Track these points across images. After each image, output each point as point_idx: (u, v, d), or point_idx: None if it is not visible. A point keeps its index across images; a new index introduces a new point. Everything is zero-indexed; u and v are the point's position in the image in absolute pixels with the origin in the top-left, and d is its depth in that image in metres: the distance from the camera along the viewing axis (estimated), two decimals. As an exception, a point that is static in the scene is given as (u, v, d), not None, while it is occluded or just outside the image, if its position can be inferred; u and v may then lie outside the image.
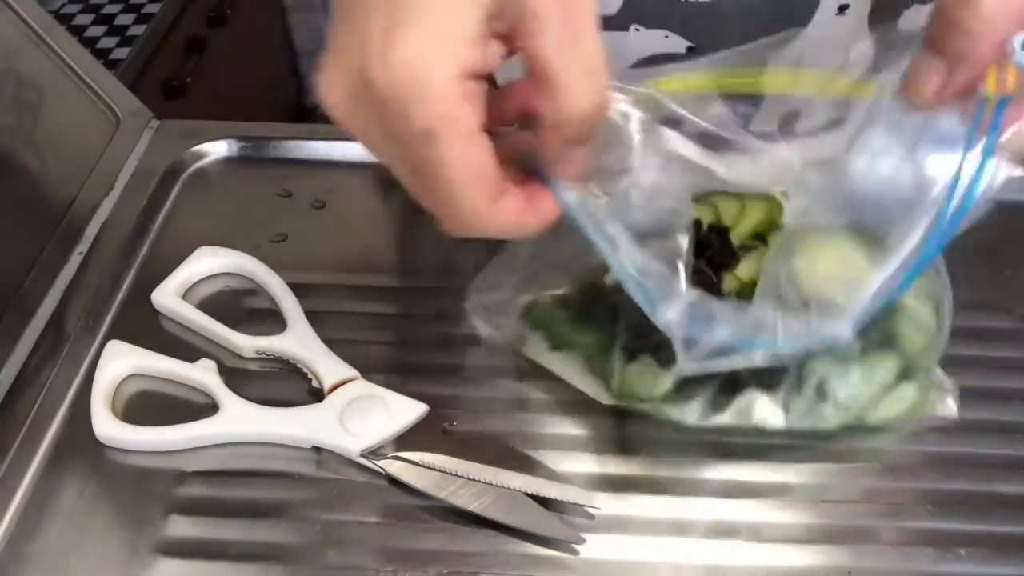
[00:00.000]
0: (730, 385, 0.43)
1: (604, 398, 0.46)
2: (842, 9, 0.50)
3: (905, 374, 0.44)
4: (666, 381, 0.43)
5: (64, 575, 0.41)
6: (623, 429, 0.46)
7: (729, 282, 0.45)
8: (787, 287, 0.41)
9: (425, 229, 0.48)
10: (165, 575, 0.41)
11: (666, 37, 0.53)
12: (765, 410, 0.43)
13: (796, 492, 0.44)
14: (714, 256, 0.46)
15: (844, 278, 0.41)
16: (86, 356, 0.49)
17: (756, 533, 0.42)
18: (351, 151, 0.62)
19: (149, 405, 0.47)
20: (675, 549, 0.41)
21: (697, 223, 0.45)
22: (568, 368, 0.47)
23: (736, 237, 0.46)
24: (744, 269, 0.45)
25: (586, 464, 0.45)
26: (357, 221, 0.58)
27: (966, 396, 0.47)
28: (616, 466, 0.44)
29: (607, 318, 0.45)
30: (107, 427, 0.45)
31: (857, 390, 0.43)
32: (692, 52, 0.52)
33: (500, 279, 0.48)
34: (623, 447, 0.45)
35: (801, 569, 0.41)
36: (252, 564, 0.41)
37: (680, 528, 0.42)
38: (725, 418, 0.43)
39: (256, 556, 0.41)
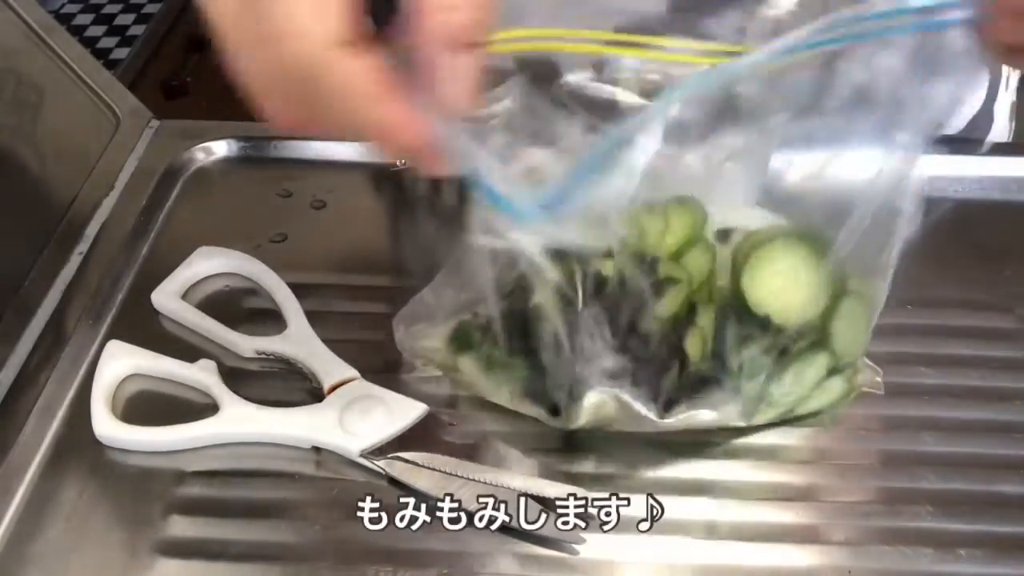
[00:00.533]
0: (679, 394, 0.44)
1: (550, 422, 0.45)
2: None
3: (833, 370, 0.45)
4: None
5: (64, 575, 0.41)
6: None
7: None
8: None
9: (425, 229, 0.49)
10: (165, 575, 0.41)
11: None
12: (707, 416, 0.44)
13: (796, 492, 0.44)
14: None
15: None
16: (86, 356, 0.49)
17: (757, 533, 0.42)
18: (351, 151, 0.62)
19: (149, 405, 0.47)
20: (674, 549, 0.41)
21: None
22: (504, 393, 0.46)
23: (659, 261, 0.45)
24: (668, 304, 0.44)
25: (585, 464, 0.45)
26: (357, 221, 0.58)
27: (966, 396, 0.47)
28: (616, 466, 0.44)
29: (539, 343, 0.44)
30: (107, 427, 0.45)
31: (790, 390, 0.44)
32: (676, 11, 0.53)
33: (426, 308, 0.48)
34: (622, 447, 0.45)
35: (801, 569, 0.41)
36: (252, 564, 0.41)
37: (679, 528, 0.42)
38: (673, 422, 0.44)
39: (256, 556, 0.41)
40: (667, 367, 0.43)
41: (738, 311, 0.43)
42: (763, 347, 0.43)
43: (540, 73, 0.43)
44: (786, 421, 0.46)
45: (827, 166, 0.43)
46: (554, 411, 0.45)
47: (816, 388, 0.45)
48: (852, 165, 0.41)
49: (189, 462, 0.45)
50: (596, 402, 0.43)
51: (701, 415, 0.44)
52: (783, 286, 0.43)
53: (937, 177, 0.57)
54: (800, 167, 0.44)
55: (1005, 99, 0.66)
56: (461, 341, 0.47)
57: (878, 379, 0.47)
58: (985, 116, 0.65)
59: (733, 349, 0.43)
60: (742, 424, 0.45)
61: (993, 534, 0.42)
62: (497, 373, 0.46)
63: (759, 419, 0.45)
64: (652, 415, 0.43)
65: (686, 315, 0.43)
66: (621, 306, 0.43)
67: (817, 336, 0.44)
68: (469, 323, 0.47)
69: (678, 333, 0.43)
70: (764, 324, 0.43)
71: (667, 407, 0.44)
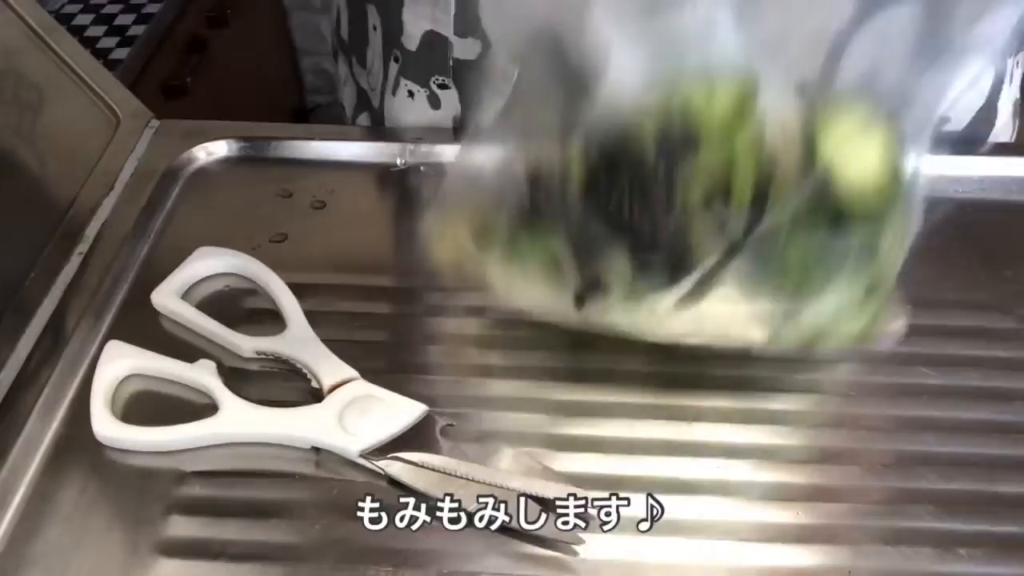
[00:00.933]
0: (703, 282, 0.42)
1: (571, 313, 0.45)
2: None
3: (871, 289, 0.44)
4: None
5: (64, 575, 0.41)
6: (629, 429, 0.46)
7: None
8: None
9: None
10: (165, 575, 0.41)
11: None
12: (721, 312, 0.43)
13: (795, 492, 0.44)
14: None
15: None
16: (86, 356, 0.49)
17: (756, 533, 0.42)
18: (351, 151, 0.62)
19: (149, 405, 0.47)
20: (674, 549, 0.41)
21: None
22: (528, 282, 0.45)
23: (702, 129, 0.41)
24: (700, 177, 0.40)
25: (586, 464, 0.45)
26: (357, 221, 0.58)
27: (966, 396, 0.47)
28: (617, 467, 0.44)
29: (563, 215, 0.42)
30: (107, 427, 0.45)
31: (827, 307, 0.43)
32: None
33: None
34: (622, 447, 0.45)
35: (801, 569, 0.41)
36: (252, 564, 0.41)
37: (679, 528, 0.42)
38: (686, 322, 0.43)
39: (256, 556, 0.41)
40: (692, 249, 0.42)
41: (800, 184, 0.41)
42: (822, 227, 0.41)
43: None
44: (795, 410, 0.46)
45: None
46: (579, 299, 0.44)
47: (853, 308, 0.44)
48: None
49: (189, 462, 0.45)
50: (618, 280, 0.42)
51: (715, 312, 0.43)
52: (862, 149, 0.41)
53: (937, 177, 0.57)
54: None
55: (1008, 97, 0.66)
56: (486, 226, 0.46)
57: (899, 323, 0.46)
58: (988, 114, 0.65)
59: (785, 234, 0.41)
60: (761, 340, 0.43)
61: (993, 534, 0.42)
62: (524, 247, 0.45)
63: (783, 339, 0.44)
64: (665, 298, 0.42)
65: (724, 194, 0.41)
66: (655, 177, 0.41)
67: (872, 232, 0.42)
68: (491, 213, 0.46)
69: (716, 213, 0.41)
70: (826, 196, 0.41)
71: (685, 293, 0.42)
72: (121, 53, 1.19)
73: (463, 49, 0.62)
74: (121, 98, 0.64)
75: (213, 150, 0.62)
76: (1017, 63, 0.65)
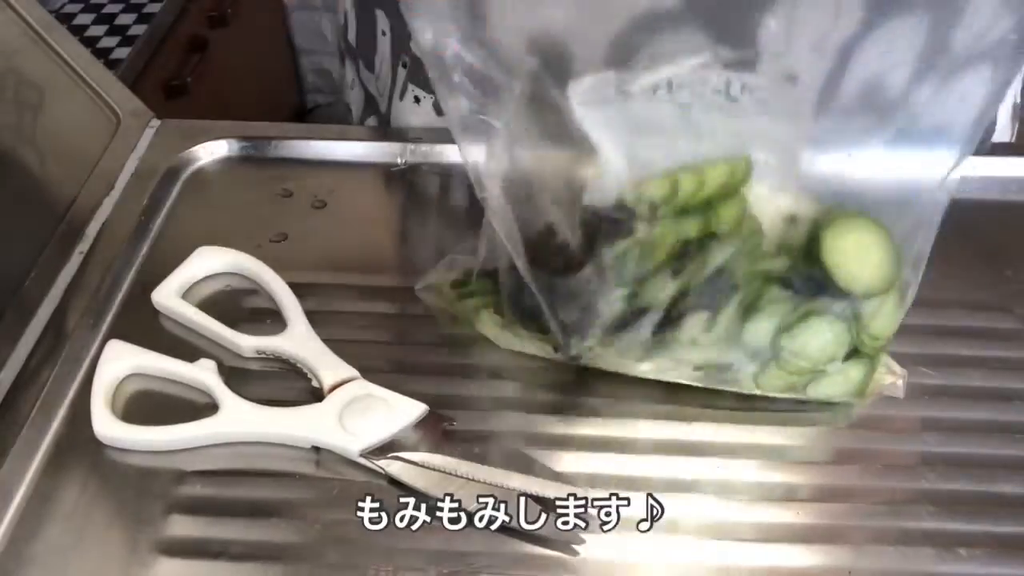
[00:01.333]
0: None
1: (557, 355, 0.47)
2: None
3: (855, 352, 0.45)
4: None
5: (64, 575, 0.41)
6: (629, 430, 0.46)
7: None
8: None
9: (424, 229, 0.49)
10: (165, 574, 0.41)
11: None
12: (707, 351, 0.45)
13: (795, 492, 0.44)
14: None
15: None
16: (86, 356, 0.49)
17: (757, 533, 0.42)
18: (351, 151, 0.62)
19: (149, 405, 0.47)
20: (674, 549, 0.41)
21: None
22: (518, 338, 0.48)
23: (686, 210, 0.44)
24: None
25: (586, 464, 0.45)
26: (357, 221, 0.58)
27: (967, 396, 0.47)
28: (617, 467, 0.44)
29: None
30: (107, 427, 0.45)
31: (803, 346, 0.44)
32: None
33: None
34: (622, 447, 0.45)
35: (801, 569, 0.41)
36: (252, 563, 0.41)
37: (679, 528, 0.42)
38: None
39: (256, 556, 0.41)
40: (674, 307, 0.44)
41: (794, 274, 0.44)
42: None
43: (553, 65, 0.44)
44: (795, 410, 0.46)
45: (883, 162, 0.43)
46: (556, 347, 0.47)
47: (832, 363, 0.45)
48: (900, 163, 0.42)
49: (189, 462, 0.45)
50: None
51: (691, 358, 0.45)
52: (861, 255, 0.43)
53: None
54: (855, 161, 0.44)
55: (1007, 99, 0.66)
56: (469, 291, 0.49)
57: (899, 382, 0.47)
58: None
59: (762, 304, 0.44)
60: (749, 386, 0.45)
61: (993, 534, 0.42)
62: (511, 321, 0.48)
63: (768, 380, 0.45)
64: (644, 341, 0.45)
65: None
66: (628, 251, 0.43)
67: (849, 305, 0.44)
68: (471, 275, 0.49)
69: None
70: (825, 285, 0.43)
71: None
72: (122, 53, 1.19)
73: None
74: (122, 98, 0.64)
75: (214, 150, 0.62)
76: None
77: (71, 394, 0.48)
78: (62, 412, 0.47)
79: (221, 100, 1.39)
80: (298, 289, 0.52)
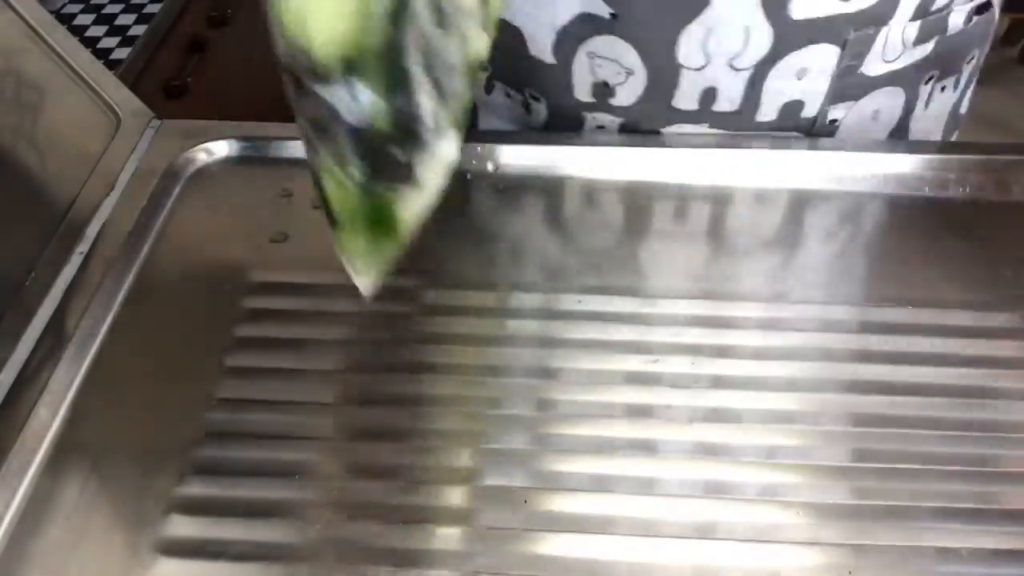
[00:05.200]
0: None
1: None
2: None
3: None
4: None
5: (64, 574, 0.41)
6: (629, 430, 0.46)
7: None
8: None
9: (423, 228, 0.48)
10: (165, 574, 0.41)
11: (592, 0, 0.55)
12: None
13: (796, 492, 0.44)
14: None
15: None
16: (87, 356, 0.49)
17: (757, 533, 0.42)
18: (351, 151, 0.62)
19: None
20: (675, 549, 0.41)
21: None
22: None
23: None
24: None
25: (585, 464, 0.45)
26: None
27: (966, 396, 0.47)
28: (619, 468, 0.45)
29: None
30: None
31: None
32: (614, 18, 0.55)
33: None
34: (625, 448, 0.45)
35: (801, 569, 0.41)
36: (252, 563, 0.41)
37: (678, 529, 0.42)
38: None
39: (256, 555, 0.41)
40: None
41: None
42: None
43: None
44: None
45: None
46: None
47: None
48: None
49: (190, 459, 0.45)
50: None
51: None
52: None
53: (938, 177, 0.57)
54: None
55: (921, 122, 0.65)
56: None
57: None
58: (953, 120, 0.65)
59: None
60: None
61: (995, 534, 0.42)
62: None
63: None
64: None
65: None
66: None
67: None
68: None
69: None
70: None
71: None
72: (122, 53, 1.19)
73: None
74: (122, 98, 0.64)
75: (214, 150, 0.62)
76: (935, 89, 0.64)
77: (71, 394, 0.48)
78: (62, 412, 0.47)
79: (221, 100, 1.39)
80: (298, 289, 0.52)
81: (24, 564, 0.41)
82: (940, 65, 0.60)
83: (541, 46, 0.59)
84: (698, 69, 0.56)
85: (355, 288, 0.53)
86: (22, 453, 0.45)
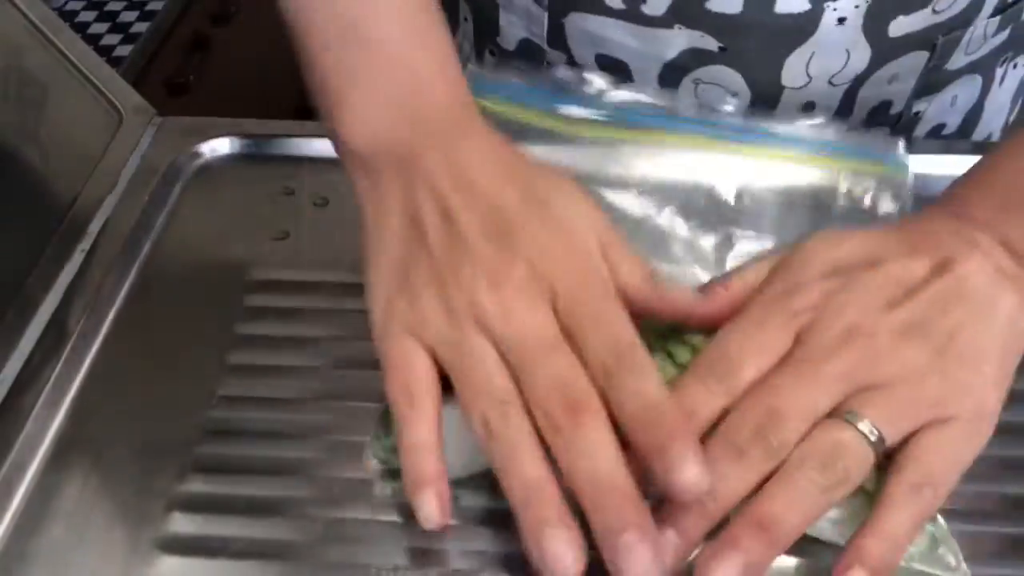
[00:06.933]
0: None
1: None
2: (840, 21, 0.56)
3: None
4: None
5: (65, 573, 0.41)
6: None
7: None
8: None
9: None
10: (166, 572, 0.41)
11: (701, 36, 0.58)
12: None
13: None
14: None
15: None
16: (88, 354, 0.49)
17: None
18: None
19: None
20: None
21: None
22: None
23: None
24: None
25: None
26: (359, 219, 0.58)
27: None
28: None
29: None
30: None
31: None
32: (722, 51, 0.58)
33: None
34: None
35: (801, 569, 0.41)
36: (253, 561, 0.41)
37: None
38: None
39: (257, 553, 0.41)
40: None
41: None
42: None
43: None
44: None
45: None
46: None
47: None
48: None
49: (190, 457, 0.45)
50: None
51: None
52: None
53: (937, 177, 0.57)
54: None
55: (994, 99, 0.67)
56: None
57: None
58: (975, 116, 0.66)
59: None
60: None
61: (995, 534, 0.42)
62: None
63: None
64: None
65: None
66: None
67: None
68: None
69: None
70: None
71: None
72: (124, 50, 1.20)
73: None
74: (124, 95, 0.64)
75: (216, 147, 0.62)
76: (1008, 68, 0.65)
77: (73, 391, 0.48)
78: (64, 410, 0.47)
79: (223, 97, 1.39)
80: (300, 287, 0.52)
81: (25, 561, 0.41)
82: (1014, 46, 0.63)
83: (646, 78, 0.61)
84: (799, 88, 0.59)
85: (356, 286, 0.53)
86: (24, 450, 0.45)
